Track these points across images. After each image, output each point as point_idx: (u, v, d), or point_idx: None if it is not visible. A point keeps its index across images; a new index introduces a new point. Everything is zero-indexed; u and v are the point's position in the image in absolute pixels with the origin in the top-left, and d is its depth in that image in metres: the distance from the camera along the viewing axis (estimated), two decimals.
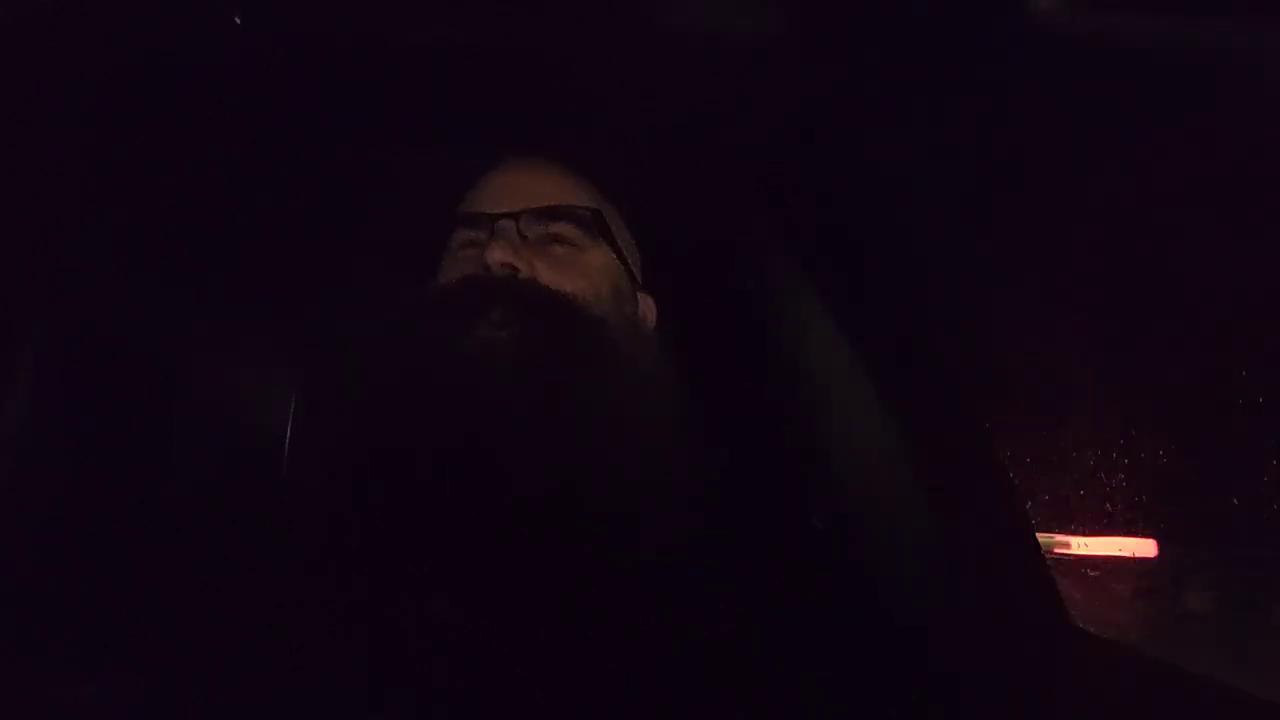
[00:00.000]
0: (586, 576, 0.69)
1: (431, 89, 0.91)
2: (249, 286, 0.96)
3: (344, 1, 0.85)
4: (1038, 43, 0.74)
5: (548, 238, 0.81)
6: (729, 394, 0.84)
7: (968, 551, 0.78)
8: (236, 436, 0.96)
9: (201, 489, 0.90)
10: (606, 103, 0.88)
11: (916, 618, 0.74)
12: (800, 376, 0.90)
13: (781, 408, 0.90)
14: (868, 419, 0.86)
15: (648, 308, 0.88)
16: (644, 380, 0.79)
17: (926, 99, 0.80)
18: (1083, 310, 0.75)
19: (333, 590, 0.70)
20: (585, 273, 0.81)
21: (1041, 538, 0.87)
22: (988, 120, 0.79)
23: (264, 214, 0.97)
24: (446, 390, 0.72)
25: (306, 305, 0.96)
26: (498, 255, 0.77)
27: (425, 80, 0.90)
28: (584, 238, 0.82)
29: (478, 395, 0.72)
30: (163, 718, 0.69)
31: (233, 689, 0.69)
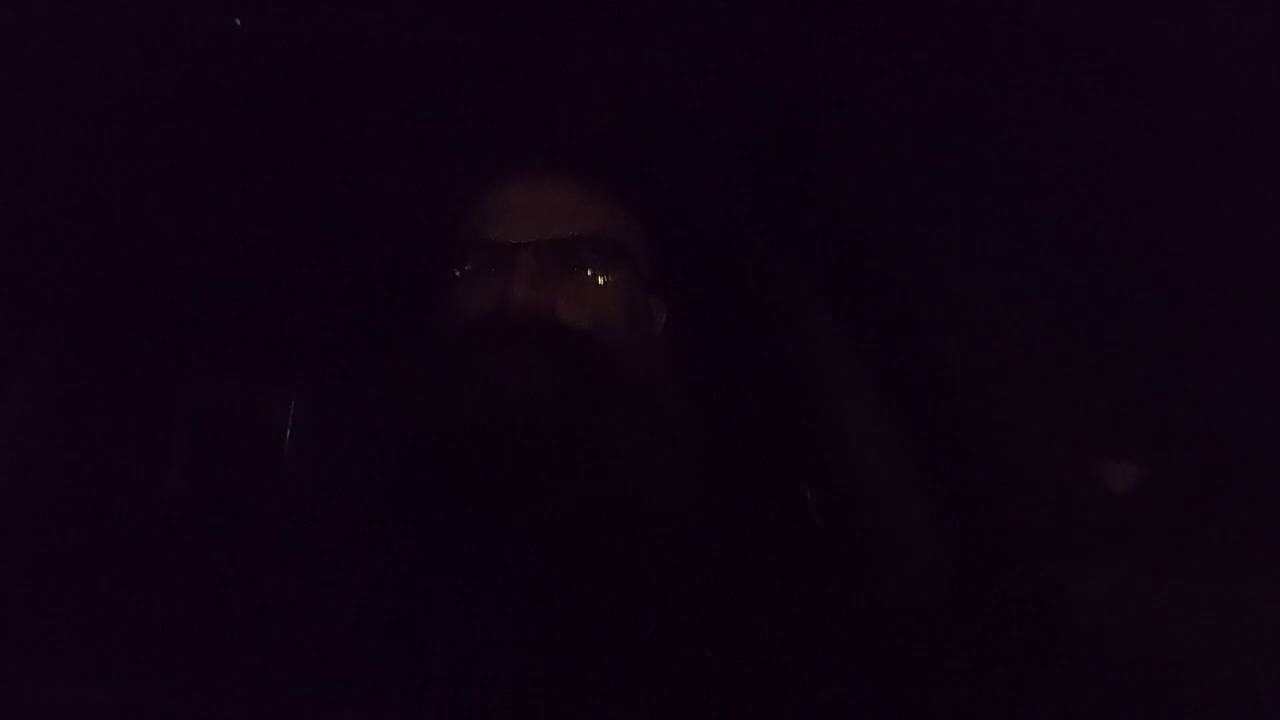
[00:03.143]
0: (598, 578, 0.70)
1: (433, 90, 0.91)
2: (249, 287, 0.96)
3: (344, 1, 0.85)
4: (1038, 42, 0.75)
5: (566, 266, 0.80)
6: (731, 392, 0.84)
7: (968, 547, 0.78)
8: (237, 437, 0.96)
9: (202, 489, 0.90)
10: (605, 101, 0.88)
11: (916, 612, 0.74)
12: (799, 375, 0.91)
13: (782, 405, 0.90)
14: (868, 416, 0.86)
15: (658, 310, 0.88)
16: (656, 396, 0.80)
17: (926, 98, 0.81)
18: (1084, 309, 0.75)
19: (336, 591, 0.71)
20: (603, 301, 0.81)
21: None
22: (988, 119, 0.79)
23: (264, 215, 0.97)
24: (469, 434, 0.72)
25: (309, 310, 0.96)
26: (519, 295, 0.77)
27: (427, 81, 0.90)
28: (602, 263, 0.81)
29: (500, 440, 0.72)
30: (164, 718, 0.69)
31: (235, 690, 0.69)
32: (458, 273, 0.82)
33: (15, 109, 0.83)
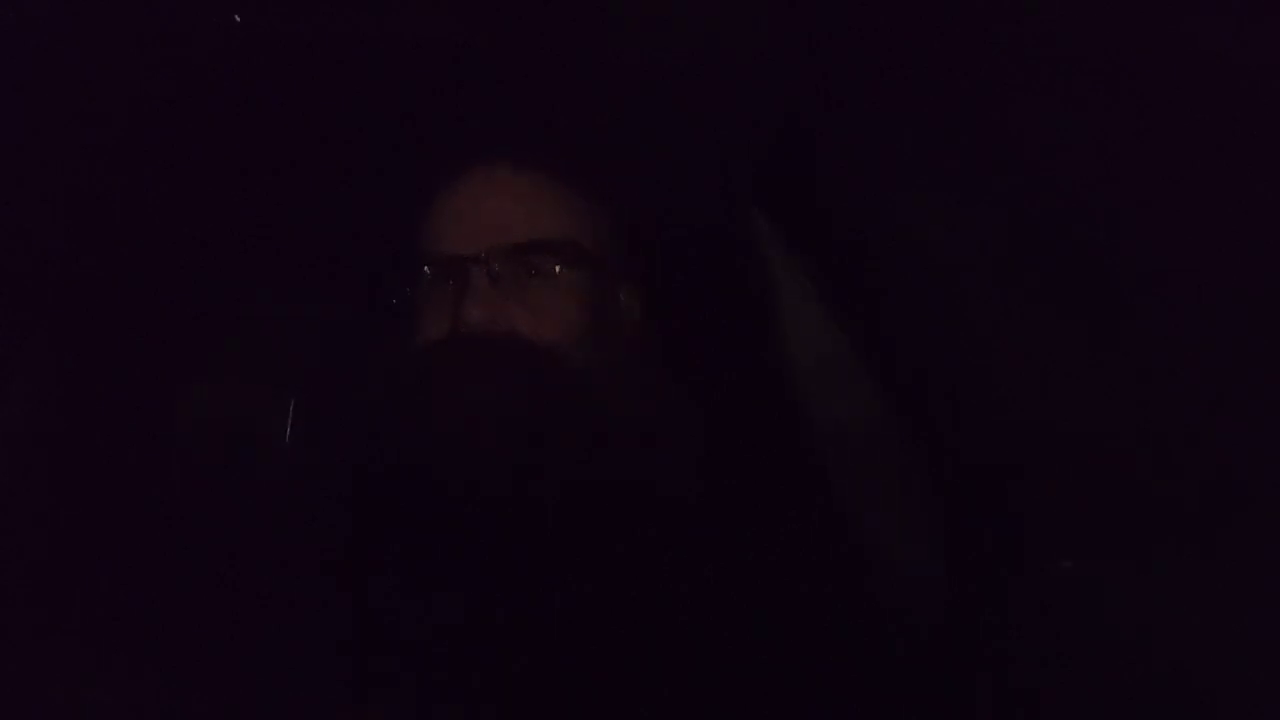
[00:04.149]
0: (595, 581, 0.70)
1: (433, 88, 0.91)
2: (246, 288, 0.96)
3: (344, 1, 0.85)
4: (1038, 41, 0.75)
5: (522, 272, 0.79)
6: (724, 390, 0.84)
7: (967, 548, 0.78)
8: (236, 438, 0.96)
9: (202, 489, 0.90)
10: (603, 98, 0.88)
11: (913, 613, 0.75)
12: (796, 373, 0.91)
13: (776, 403, 0.90)
14: (865, 414, 0.86)
15: (631, 299, 0.86)
16: (636, 393, 0.79)
17: (926, 96, 0.81)
18: (1084, 310, 0.76)
19: (335, 591, 0.71)
20: (563, 306, 0.79)
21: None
22: (988, 118, 0.79)
23: (265, 215, 0.97)
24: (438, 463, 0.72)
25: (304, 313, 0.96)
26: (475, 315, 0.76)
27: (428, 79, 0.90)
28: (561, 265, 0.80)
29: (470, 467, 0.72)
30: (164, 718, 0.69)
31: (235, 690, 0.69)
32: (415, 289, 0.81)
33: (15, 109, 0.83)
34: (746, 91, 0.86)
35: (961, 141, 0.80)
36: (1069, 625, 0.73)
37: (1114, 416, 0.76)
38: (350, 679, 0.69)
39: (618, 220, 0.85)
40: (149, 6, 0.85)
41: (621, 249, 0.85)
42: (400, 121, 0.91)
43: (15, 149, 0.84)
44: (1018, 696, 0.71)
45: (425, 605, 0.70)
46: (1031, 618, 0.73)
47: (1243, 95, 0.74)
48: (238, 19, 0.86)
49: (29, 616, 0.76)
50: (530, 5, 0.85)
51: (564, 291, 0.79)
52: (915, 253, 0.84)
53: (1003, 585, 0.76)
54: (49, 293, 0.89)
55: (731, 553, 0.74)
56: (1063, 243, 0.76)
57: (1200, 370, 0.72)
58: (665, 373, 0.84)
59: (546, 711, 0.67)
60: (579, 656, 0.68)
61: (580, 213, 0.83)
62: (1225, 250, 0.72)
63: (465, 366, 0.75)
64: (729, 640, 0.70)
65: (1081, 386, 0.77)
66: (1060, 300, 0.77)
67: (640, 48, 0.85)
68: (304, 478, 0.89)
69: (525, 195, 0.82)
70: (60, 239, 0.89)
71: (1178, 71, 0.75)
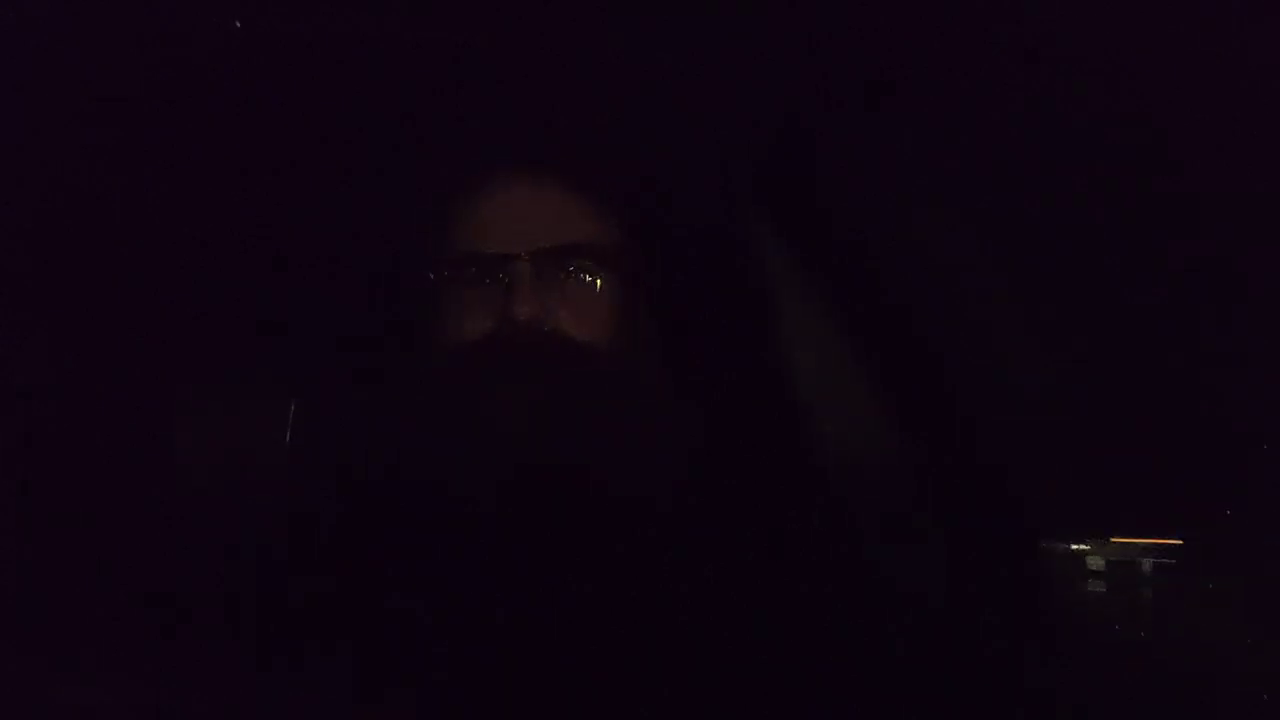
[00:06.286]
0: (601, 583, 0.70)
1: (433, 92, 0.91)
2: (247, 289, 0.96)
3: (343, 4, 0.85)
4: (1038, 40, 0.75)
5: (565, 274, 0.80)
6: (726, 390, 0.84)
7: (967, 549, 0.78)
8: (237, 439, 0.96)
9: (203, 491, 0.90)
10: (603, 100, 0.88)
11: (914, 612, 0.75)
12: (796, 373, 0.91)
13: (779, 404, 0.90)
14: (866, 415, 0.86)
15: (655, 308, 0.88)
16: (656, 399, 0.80)
17: (926, 94, 0.81)
18: (1084, 307, 0.76)
19: (334, 592, 0.71)
20: (602, 308, 0.81)
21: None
22: (989, 117, 0.79)
23: (265, 215, 0.97)
24: (476, 458, 0.73)
25: (309, 312, 0.95)
26: (523, 311, 0.77)
27: (427, 83, 0.90)
28: (599, 268, 0.81)
29: (506, 463, 0.73)
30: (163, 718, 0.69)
31: (235, 690, 0.69)
32: (450, 286, 0.81)
33: (15, 109, 0.83)
34: (746, 91, 0.86)
35: (961, 141, 0.80)
36: (1069, 624, 0.73)
37: (1114, 416, 0.76)
38: (350, 679, 0.69)
39: (628, 222, 0.86)
40: (149, 6, 0.85)
41: (632, 251, 0.86)
42: (400, 122, 0.91)
43: (15, 149, 0.84)
44: (1018, 696, 0.71)
45: (427, 605, 0.70)
46: (1032, 616, 0.73)
47: (1243, 95, 0.74)
48: (238, 24, 0.86)
49: (29, 616, 0.76)
50: (530, 5, 0.85)
51: (602, 295, 0.81)
52: (915, 253, 0.84)
53: (1003, 584, 0.76)
54: (49, 293, 0.89)
55: (731, 552, 0.74)
56: (1063, 243, 0.76)
57: (1201, 369, 0.72)
58: (667, 373, 0.84)
59: (548, 711, 0.67)
60: (580, 655, 0.69)
61: (603, 216, 0.84)
62: (1225, 249, 0.72)
63: (515, 362, 0.76)
64: (729, 640, 0.70)
65: (1081, 386, 0.77)
66: (1060, 300, 0.78)
67: (640, 48, 0.86)
68: (304, 478, 0.89)
69: (562, 197, 0.83)
70: (60, 239, 0.88)
71: (1178, 71, 0.75)
